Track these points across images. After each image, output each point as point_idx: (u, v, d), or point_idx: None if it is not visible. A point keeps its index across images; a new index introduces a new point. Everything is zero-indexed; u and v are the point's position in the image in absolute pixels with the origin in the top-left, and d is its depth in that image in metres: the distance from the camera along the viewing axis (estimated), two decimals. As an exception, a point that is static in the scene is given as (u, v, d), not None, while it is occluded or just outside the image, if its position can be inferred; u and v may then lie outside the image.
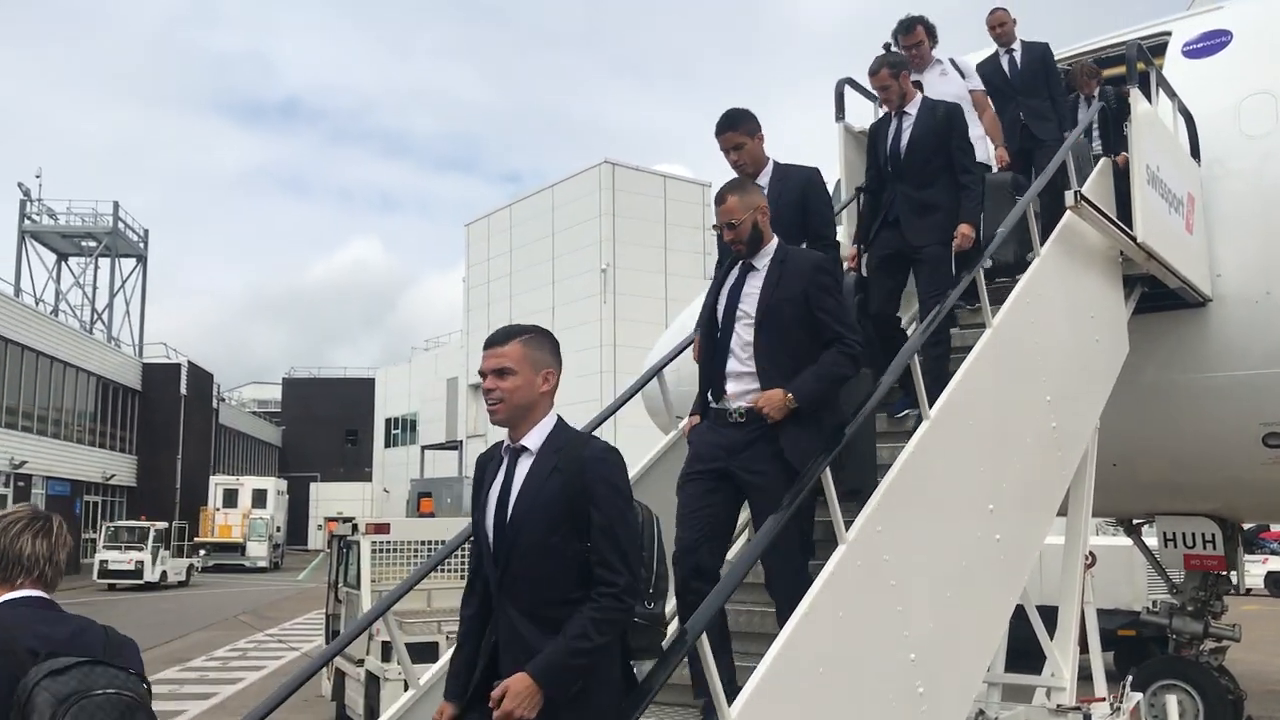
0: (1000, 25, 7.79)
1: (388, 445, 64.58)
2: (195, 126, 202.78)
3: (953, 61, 7.01)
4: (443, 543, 11.66)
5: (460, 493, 41.95)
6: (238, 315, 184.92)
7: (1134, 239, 6.54)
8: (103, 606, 27.96)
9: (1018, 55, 7.69)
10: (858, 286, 6.07)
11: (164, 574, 34.50)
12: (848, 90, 7.36)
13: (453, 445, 52.56)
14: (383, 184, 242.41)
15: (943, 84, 6.72)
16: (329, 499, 69.89)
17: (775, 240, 4.54)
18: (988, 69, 7.59)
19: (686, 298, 17.73)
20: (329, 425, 75.65)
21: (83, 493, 42.94)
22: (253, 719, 3.87)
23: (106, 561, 33.96)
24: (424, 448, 54.94)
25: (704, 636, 3.36)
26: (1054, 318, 6.04)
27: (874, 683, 4.07)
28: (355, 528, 11.77)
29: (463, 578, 11.75)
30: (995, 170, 6.87)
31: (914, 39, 6.83)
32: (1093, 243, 6.57)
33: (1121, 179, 6.85)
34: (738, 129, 4.98)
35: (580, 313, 42.96)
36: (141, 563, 33.66)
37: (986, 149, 6.88)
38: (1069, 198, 6.13)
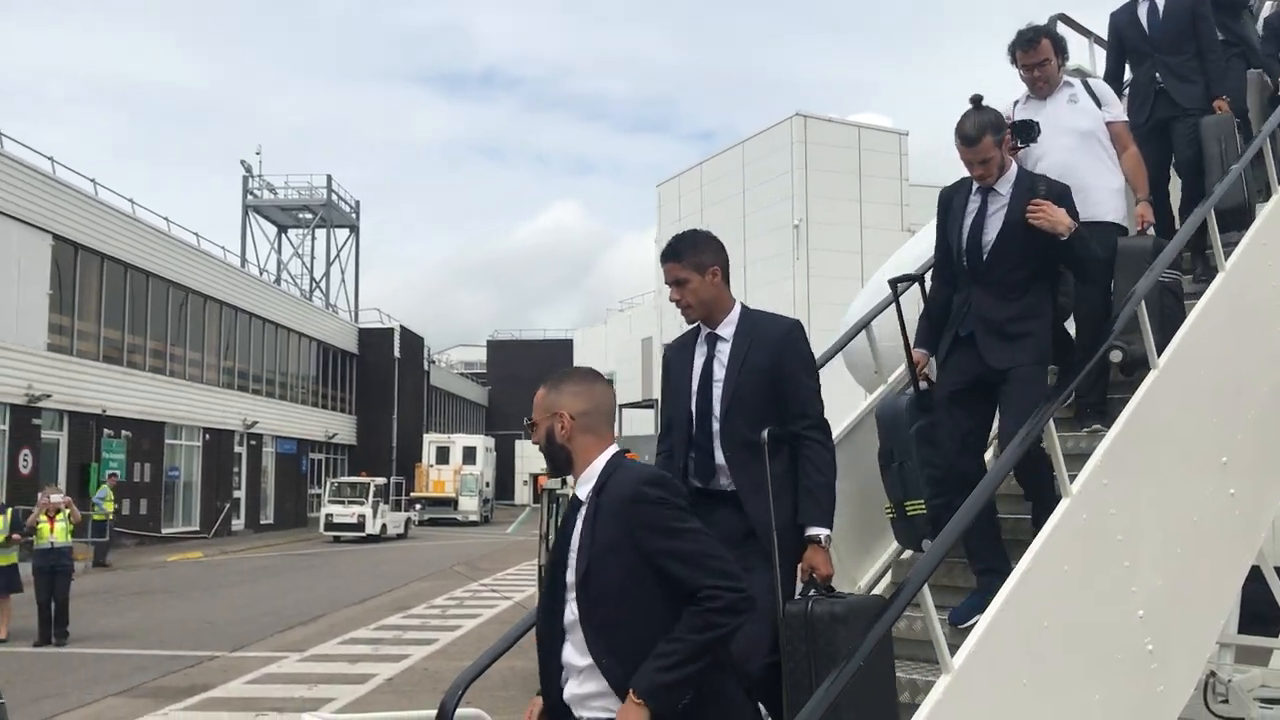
0: None
1: (588, 403, 65.89)
2: (400, 99, 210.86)
3: (1086, 84, 5.44)
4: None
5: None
6: (443, 280, 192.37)
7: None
8: (330, 557, 29.89)
9: (1160, 1, 6.23)
10: (918, 407, 4.54)
11: (384, 527, 36.49)
12: (1060, 28, 7.05)
13: (649, 404, 53.28)
14: (579, 148, 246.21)
15: (1072, 115, 5.24)
16: (533, 455, 72.19)
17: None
18: (1122, 20, 6.37)
19: (883, 251, 17.35)
20: (531, 385, 76.35)
21: (308, 451, 45.82)
22: (480, 665, 4.06)
23: (331, 515, 36.18)
24: (621, 406, 55.87)
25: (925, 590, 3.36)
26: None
27: (1100, 639, 3.98)
28: (564, 482, 12.17)
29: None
30: (1134, 231, 5.31)
31: (1037, 56, 5.26)
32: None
33: None
34: (681, 260, 3.80)
35: (772, 270, 42.67)
36: (363, 516, 35.70)
37: (1120, 202, 5.29)
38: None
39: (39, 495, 15.78)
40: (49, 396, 26.41)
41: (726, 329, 3.84)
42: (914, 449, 4.45)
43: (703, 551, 2.83)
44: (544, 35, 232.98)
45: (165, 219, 34.87)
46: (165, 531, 32.81)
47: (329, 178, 54.34)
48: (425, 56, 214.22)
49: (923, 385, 4.63)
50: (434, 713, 3.68)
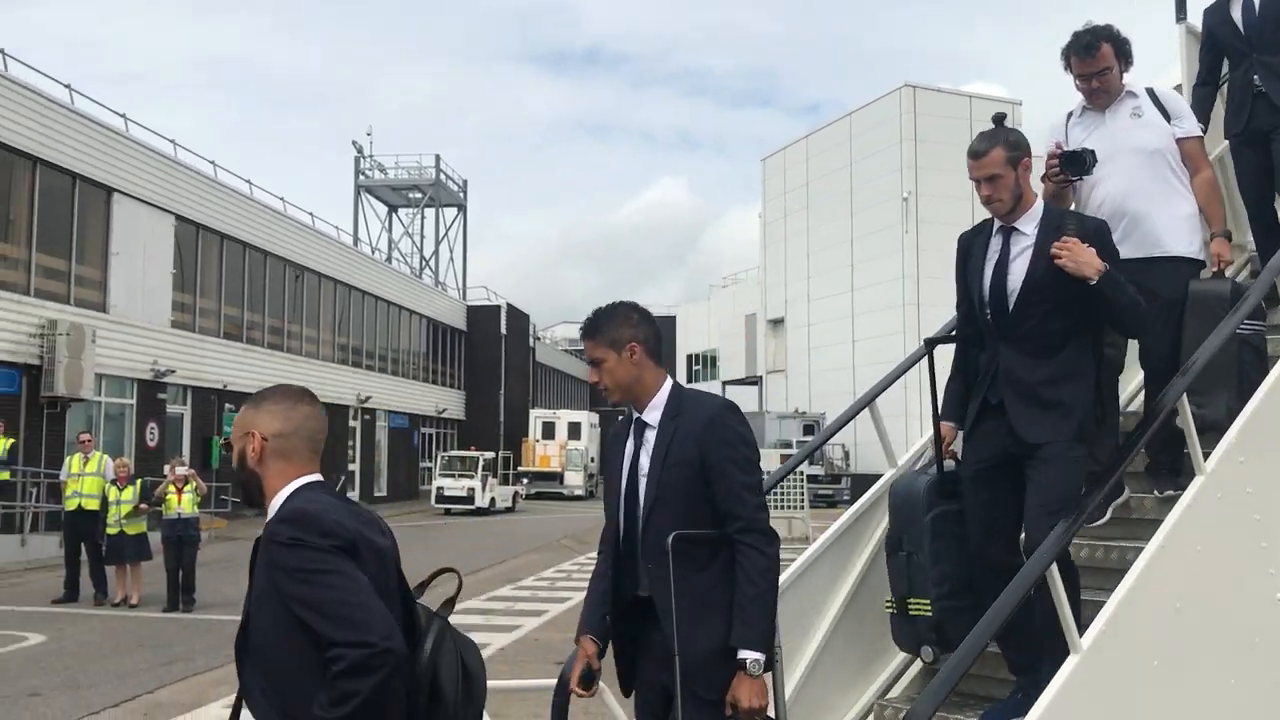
0: None
1: (689, 381, 66.06)
2: (507, 78, 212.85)
3: (1152, 94, 4.71)
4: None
5: (762, 427, 42.51)
6: (549, 258, 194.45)
7: None
8: (441, 529, 30.54)
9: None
10: (938, 491, 4.06)
11: (492, 500, 37.14)
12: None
13: (752, 381, 53.19)
14: (683, 124, 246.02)
15: (1135, 130, 4.57)
16: (636, 432, 72.66)
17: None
18: (1215, 17, 5.67)
19: (998, 223, 16.95)
20: (635, 361, 78.40)
21: (419, 425, 46.82)
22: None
23: (442, 488, 36.97)
24: (725, 383, 55.92)
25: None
26: None
27: (1235, 622, 3.85)
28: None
29: (777, 507, 11.88)
30: (1210, 270, 4.66)
31: (1097, 64, 4.55)
32: None
33: None
34: (597, 336, 3.36)
35: (880, 244, 42.05)
36: (472, 490, 36.39)
37: (1193, 234, 4.59)
38: None
39: (165, 467, 16.43)
40: (173, 372, 27.44)
41: (652, 414, 3.34)
42: (927, 540, 3.97)
43: (336, 599, 2.35)
44: (649, 12, 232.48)
45: (281, 199, 35.92)
46: (283, 503, 33.84)
47: (437, 157, 55.29)
48: (532, 36, 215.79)
49: (948, 464, 4.03)
50: (553, 681, 3.74)
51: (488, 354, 52.77)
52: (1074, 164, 4.31)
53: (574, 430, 51.38)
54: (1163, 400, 3.86)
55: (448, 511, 36.17)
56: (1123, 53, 4.62)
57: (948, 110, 41.38)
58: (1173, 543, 3.60)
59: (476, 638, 11.30)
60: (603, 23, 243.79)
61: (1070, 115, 4.78)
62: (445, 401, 49.46)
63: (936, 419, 4.13)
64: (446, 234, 57.66)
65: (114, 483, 14.68)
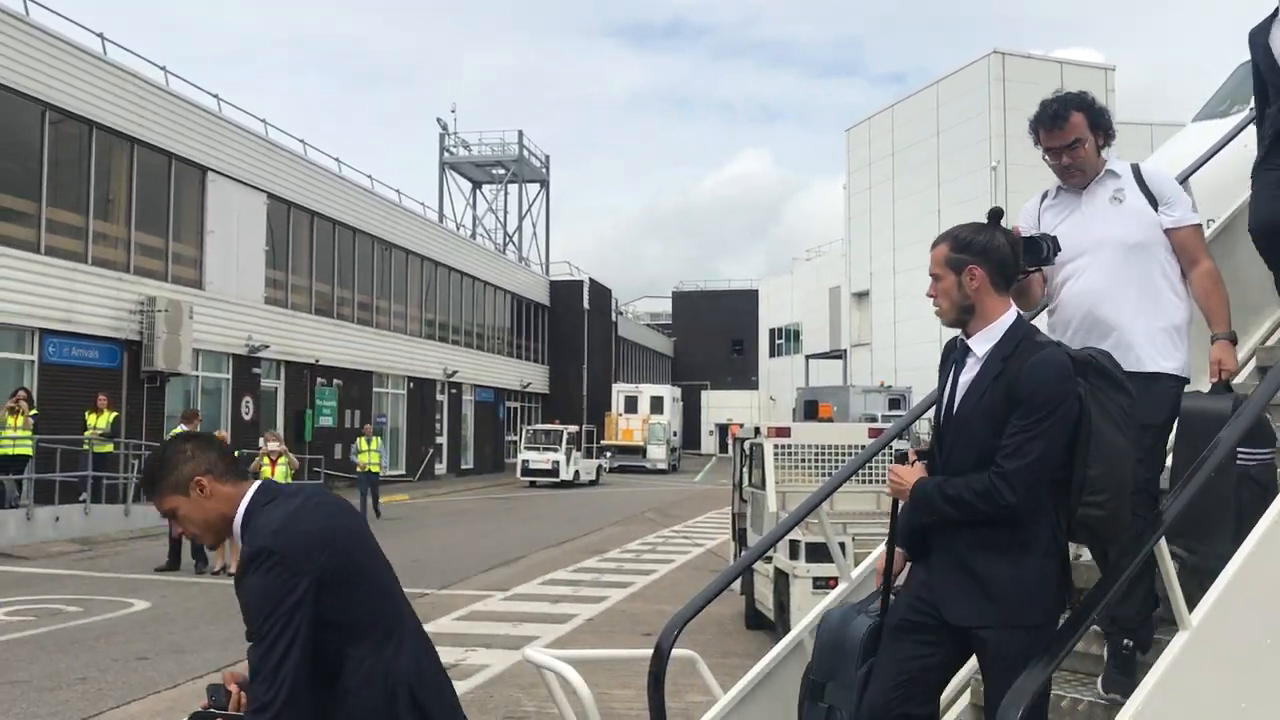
0: None
1: (772, 355, 65.79)
2: (588, 52, 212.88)
3: (1138, 173, 3.97)
4: (842, 447, 11.83)
5: (846, 401, 42.14)
6: (632, 232, 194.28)
7: None
8: (526, 501, 30.92)
9: None
10: (875, 634, 3.33)
11: (577, 473, 37.48)
12: None
13: (836, 354, 52.67)
14: (766, 95, 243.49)
15: (1114, 218, 3.85)
16: (718, 406, 72.70)
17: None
18: (1257, 41, 4.77)
19: (1093, 192, 16.51)
20: (716, 335, 78.49)
21: (504, 399, 47.37)
22: (695, 607, 4.12)
23: (528, 461, 37.41)
24: (808, 357, 55.48)
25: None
26: None
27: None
28: (758, 431, 12.17)
29: (865, 481, 11.71)
30: (1210, 382, 3.87)
31: (1067, 136, 3.85)
32: None
33: None
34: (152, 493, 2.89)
35: (969, 214, 40.55)
36: (557, 462, 36.76)
37: (1177, 347, 3.81)
38: None
39: (260, 441, 16.87)
40: (267, 347, 28.11)
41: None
42: (855, 697, 3.27)
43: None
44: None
45: (369, 177, 36.47)
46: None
47: (520, 134, 55.60)
48: (612, 8, 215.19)
49: (892, 599, 3.32)
50: (650, 651, 3.77)
51: (571, 328, 53.12)
52: (1031, 252, 3.51)
53: (656, 404, 51.49)
54: (1122, 557, 3.12)
55: (533, 484, 36.59)
56: (1098, 123, 3.88)
57: (1038, 77, 40.28)
58: (1287, 518, 3.47)
59: (564, 608, 11.46)
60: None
61: (1045, 196, 4.11)
62: (529, 376, 49.93)
63: (890, 546, 3.37)
64: (529, 210, 58.10)
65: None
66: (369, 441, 23.27)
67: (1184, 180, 4.75)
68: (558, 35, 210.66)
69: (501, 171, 56.97)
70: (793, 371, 57.71)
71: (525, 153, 56.05)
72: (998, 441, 2.96)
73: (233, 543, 12.10)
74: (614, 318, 60.94)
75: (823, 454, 11.91)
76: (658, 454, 49.24)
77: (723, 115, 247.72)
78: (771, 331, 66.52)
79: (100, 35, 23.31)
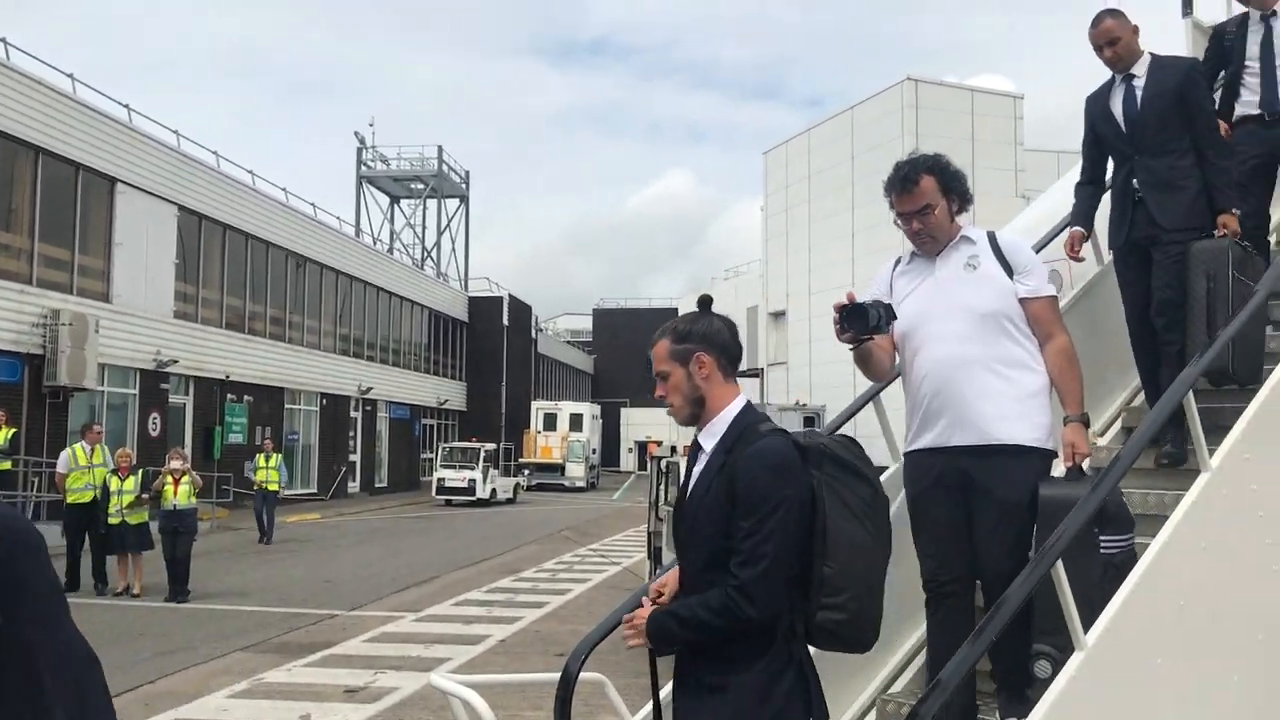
0: (1111, 43, 4.80)
1: (691, 372, 65.99)
2: (513, 69, 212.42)
3: (994, 241, 3.89)
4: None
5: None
6: (555, 249, 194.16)
7: None
8: (442, 520, 30.56)
9: (1139, 83, 4.78)
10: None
11: (493, 491, 37.15)
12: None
13: (753, 373, 53.12)
14: (692, 116, 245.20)
15: (967, 285, 3.76)
16: (638, 423, 72.90)
17: None
18: (1095, 109, 4.97)
19: (997, 221, 16.89)
20: (637, 353, 78.27)
21: (420, 416, 46.85)
22: (602, 630, 4.10)
23: (443, 479, 36.98)
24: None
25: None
26: None
27: (1240, 619, 3.85)
28: (674, 449, 12.23)
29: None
30: (1064, 466, 3.79)
31: (916, 201, 3.78)
32: None
33: None
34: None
35: (881, 238, 41.91)
36: (474, 480, 36.41)
37: (1038, 421, 3.70)
38: None
39: (167, 458, 16.45)
40: (176, 362, 27.44)
41: None
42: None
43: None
44: (657, 2, 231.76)
45: (284, 190, 35.88)
46: (284, 493, 33.89)
47: (439, 149, 55.24)
48: (539, 26, 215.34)
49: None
50: (557, 675, 3.74)
51: (489, 345, 52.79)
52: (856, 319, 3.45)
53: (575, 422, 51.39)
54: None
55: (449, 502, 36.20)
56: (951, 187, 3.78)
57: (949, 104, 41.37)
58: (1177, 539, 3.59)
59: (477, 629, 11.37)
60: (611, 13, 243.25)
61: (898, 262, 3.99)
62: (446, 392, 49.48)
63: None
64: (449, 225, 57.69)
65: (115, 472, 14.71)
66: (268, 458, 22.54)
67: (1041, 248, 4.93)
68: (482, 51, 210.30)
69: (420, 186, 56.52)
70: (711, 390, 57.99)
71: (445, 168, 55.69)
72: (726, 542, 2.69)
73: (138, 562, 11.61)
74: (534, 334, 60.73)
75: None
76: (576, 472, 49.11)
77: (648, 135, 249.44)
78: (690, 350, 66.70)
79: (3, 40, 22.64)
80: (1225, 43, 5.37)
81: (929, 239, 3.81)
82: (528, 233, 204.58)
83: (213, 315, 30.61)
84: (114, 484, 14.58)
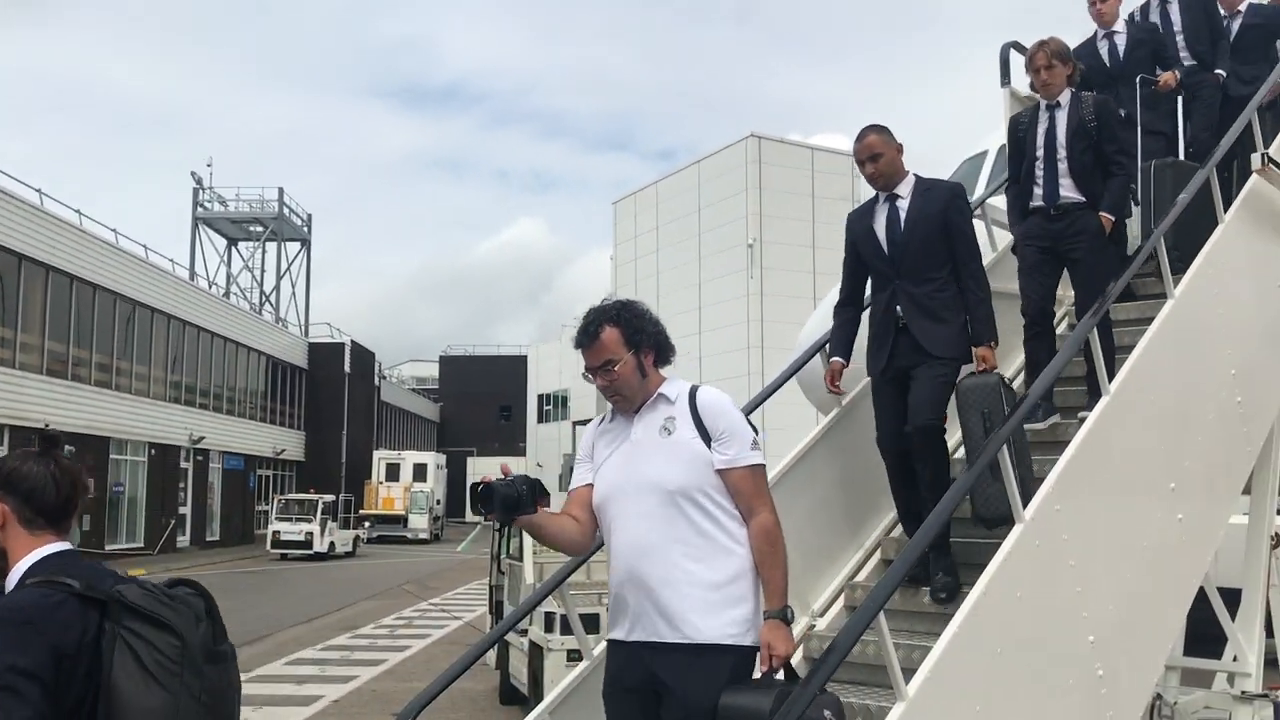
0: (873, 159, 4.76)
1: (540, 420, 65.86)
2: (360, 112, 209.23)
3: (694, 402, 3.39)
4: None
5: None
6: (402, 295, 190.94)
7: (1327, 203, 6.17)
8: (276, 575, 29.45)
9: (903, 204, 4.74)
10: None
11: (332, 545, 36.03)
12: (1012, 54, 7.13)
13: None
14: (541, 164, 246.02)
15: (659, 454, 3.30)
16: (485, 473, 71.60)
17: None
18: (858, 230, 4.95)
19: (836, 272, 17.49)
20: (484, 401, 77.88)
21: (255, 467, 45.20)
22: (431, 692, 4.01)
23: (279, 532, 35.69)
24: (575, 423, 55.84)
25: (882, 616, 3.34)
26: (1239, 288, 5.77)
27: (1052, 665, 4.00)
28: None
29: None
30: (762, 670, 3.28)
31: (598, 357, 3.36)
32: (1280, 208, 6.22)
33: None
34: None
35: (727, 288, 42.84)
36: (311, 534, 35.25)
37: (730, 612, 3.24)
38: (1255, 160, 5.84)
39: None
40: (-11, 410, 25.85)
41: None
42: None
43: None
44: (510, 50, 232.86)
45: (114, 231, 34.41)
46: (108, 548, 32.13)
47: (280, 190, 54.00)
48: (388, 70, 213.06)
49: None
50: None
51: (330, 393, 51.43)
52: (487, 501, 3.05)
53: (419, 472, 50.43)
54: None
55: (284, 556, 34.93)
56: (636, 340, 3.29)
57: (790, 160, 42.74)
58: (994, 588, 3.72)
59: (310, 689, 10.99)
60: (463, 60, 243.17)
61: (604, 418, 3.50)
62: (284, 442, 47.92)
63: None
64: (289, 269, 56.25)
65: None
66: None
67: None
68: (331, 93, 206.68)
69: (260, 229, 54.97)
70: (560, 438, 57.90)
71: (286, 210, 54.36)
72: None
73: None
74: (377, 382, 59.50)
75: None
76: (419, 523, 48.08)
77: (498, 181, 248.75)
78: (540, 397, 66.60)
79: None
80: (1019, 134, 5.51)
81: (617, 397, 3.34)
82: (372, 278, 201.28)
83: (32, 360, 28.98)
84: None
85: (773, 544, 3.22)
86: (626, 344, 3.29)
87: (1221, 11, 6.96)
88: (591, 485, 3.37)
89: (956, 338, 4.62)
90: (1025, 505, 3.94)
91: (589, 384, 3.41)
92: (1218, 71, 6.72)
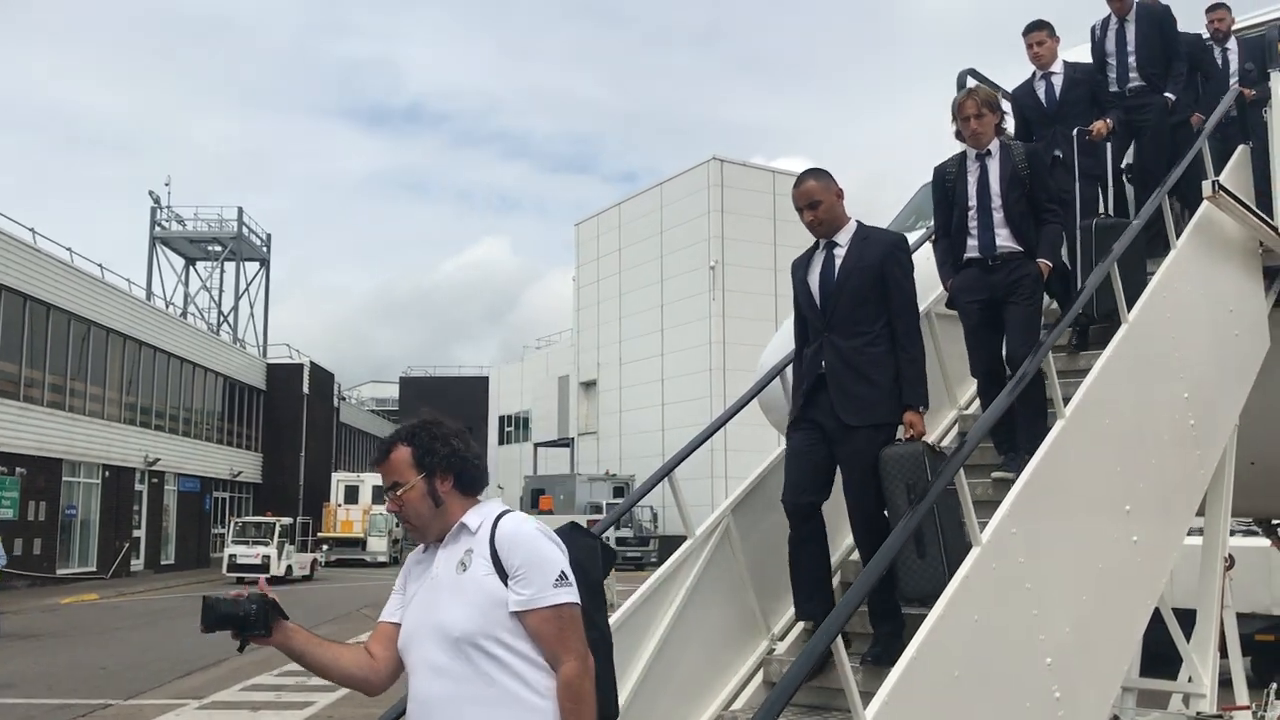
0: (811, 206, 4.60)
1: (501, 442, 65.63)
2: (323, 132, 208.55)
3: (493, 538, 2.87)
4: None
5: (573, 489, 42.46)
6: (361, 316, 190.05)
7: (1275, 229, 6.31)
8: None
9: (839, 253, 4.57)
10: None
11: (289, 568, 35.58)
12: (969, 81, 7.23)
13: (564, 443, 53.14)
14: (503, 185, 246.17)
15: (453, 595, 2.81)
16: (444, 495, 71.48)
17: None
18: (796, 281, 4.78)
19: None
20: (444, 423, 77.34)
21: (212, 489, 44.61)
22: (392, 714, 3.95)
23: (235, 555, 35.15)
24: (536, 445, 55.65)
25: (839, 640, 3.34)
26: (1191, 313, 5.85)
27: (1010, 688, 4.01)
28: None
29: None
30: None
31: (388, 476, 2.99)
32: (1231, 234, 6.34)
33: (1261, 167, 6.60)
34: None
35: (689, 310, 43.00)
36: (268, 557, 34.76)
37: None
38: (1206, 188, 5.94)
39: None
40: (-63, 431, 25.36)
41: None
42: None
43: None
44: (473, 71, 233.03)
45: (69, 250, 33.95)
46: (60, 572, 31.58)
47: (239, 210, 53.61)
48: (351, 90, 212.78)
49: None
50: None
51: (288, 414, 50.90)
52: (210, 616, 2.87)
53: (378, 495, 49.93)
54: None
55: (240, 580, 34.38)
56: (427, 464, 2.90)
57: (752, 184, 43.02)
58: (952, 612, 3.73)
59: (266, 716, 10.82)
60: (426, 81, 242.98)
61: (423, 549, 2.99)
62: (241, 464, 47.35)
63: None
64: (247, 289, 55.75)
65: None
66: None
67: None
68: (293, 113, 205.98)
69: (219, 249, 54.49)
70: (521, 459, 57.68)
71: (245, 230, 53.93)
72: None
73: None
74: (336, 403, 59.04)
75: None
76: (379, 546, 47.56)
77: (461, 202, 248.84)
78: (501, 419, 66.38)
79: None
80: (947, 184, 5.39)
81: (407, 524, 2.93)
82: (332, 298, 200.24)
83: (-18, 381, 28.50)
84: None
85: (576, 700, 2.70)
86: (416, 466, 2.89)
87: (1205, 36, 7.26)
88: (397, 624, 2.92)
89: (882, 401, 4.36)
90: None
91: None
92: (1166, 95, 6.76)
